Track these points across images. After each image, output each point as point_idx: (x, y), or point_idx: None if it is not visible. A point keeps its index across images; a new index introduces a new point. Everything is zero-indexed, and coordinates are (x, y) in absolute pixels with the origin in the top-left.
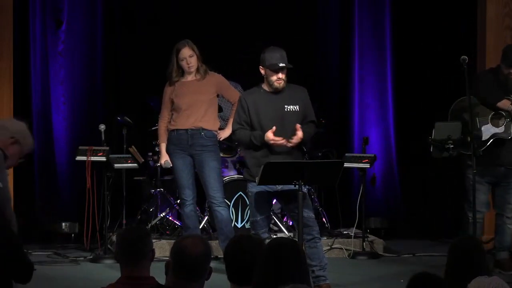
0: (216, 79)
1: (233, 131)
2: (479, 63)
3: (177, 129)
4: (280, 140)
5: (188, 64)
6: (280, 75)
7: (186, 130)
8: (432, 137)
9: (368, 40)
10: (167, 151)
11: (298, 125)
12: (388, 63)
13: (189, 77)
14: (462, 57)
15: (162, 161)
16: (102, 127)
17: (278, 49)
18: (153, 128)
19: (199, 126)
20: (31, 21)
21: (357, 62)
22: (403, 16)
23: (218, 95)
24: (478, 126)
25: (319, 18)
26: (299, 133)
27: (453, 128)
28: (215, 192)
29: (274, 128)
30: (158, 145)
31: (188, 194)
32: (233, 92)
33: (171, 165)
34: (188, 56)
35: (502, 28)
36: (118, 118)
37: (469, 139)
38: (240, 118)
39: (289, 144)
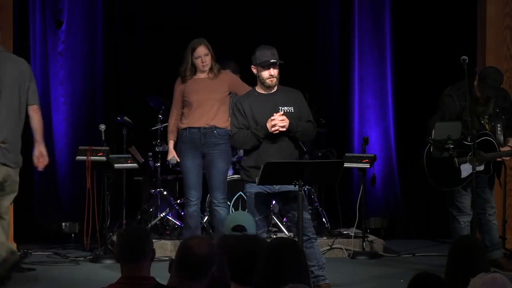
0: (228, 77)
1: (232, 135)
2: (479, 63)
3: (189, 128)
4: (278, 116)
5: (203, 62)
6: (272, 72)
7: (199, 128)
8: (432, 137)
9: (368, 40)
10: (178, 150)
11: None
12: (388, 63)
13: (202, 75)
14: (462, 57)
15: (169, 157)
16: (102, 127)
17: (268, 47)
18: (153, 128)
19: (211, 124)
20: (31, 21)
21: (357, 62)
22: (403, 16)
23: (230, 93)
24: (457, 165)
25: (319, 18)
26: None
27: (453, 128)
28: (217, 192)
29: (276, 114)
30: (167, 142)
31: (194, 195)
32: (247, 88)
33: (178, 161)
34: (204, 54)
35: (502, 28)
36: (118, 118)
37: (469, 139)
38: (239, 122)
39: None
